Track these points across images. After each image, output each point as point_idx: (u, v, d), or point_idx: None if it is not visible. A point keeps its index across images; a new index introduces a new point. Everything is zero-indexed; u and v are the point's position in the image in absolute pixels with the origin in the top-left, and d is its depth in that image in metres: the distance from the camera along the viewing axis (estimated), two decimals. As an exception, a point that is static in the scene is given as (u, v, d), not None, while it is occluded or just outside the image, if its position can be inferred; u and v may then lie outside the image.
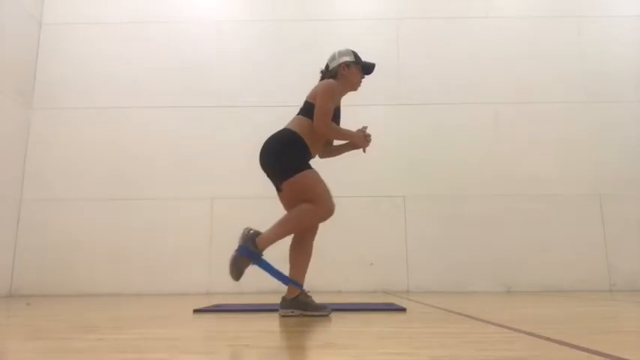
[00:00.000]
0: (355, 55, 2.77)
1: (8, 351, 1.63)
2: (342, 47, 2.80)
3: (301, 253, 2.61)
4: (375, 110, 5.32)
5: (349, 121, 2.83)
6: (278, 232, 2.50)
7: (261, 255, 2.48)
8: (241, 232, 2.52)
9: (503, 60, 5.68)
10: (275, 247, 2.51)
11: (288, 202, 2.60)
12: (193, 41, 5.76)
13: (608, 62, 5.67)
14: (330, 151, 2.86)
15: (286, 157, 2.54)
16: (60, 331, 2.10)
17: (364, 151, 2.73)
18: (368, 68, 2.77)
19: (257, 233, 2.50)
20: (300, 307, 2.52)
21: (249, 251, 2.45)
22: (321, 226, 2.68)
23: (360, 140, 2.68)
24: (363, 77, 2.79)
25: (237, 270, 2.44)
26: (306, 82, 2.79)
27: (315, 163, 2.70)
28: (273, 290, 3.47)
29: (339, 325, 2.18)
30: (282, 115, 2.79)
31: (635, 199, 5.33)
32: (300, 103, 2.69)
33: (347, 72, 2.72)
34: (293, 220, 2.51)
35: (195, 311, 2.84)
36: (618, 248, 5.20)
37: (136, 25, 5.78)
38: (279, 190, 2.62)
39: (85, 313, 3.04)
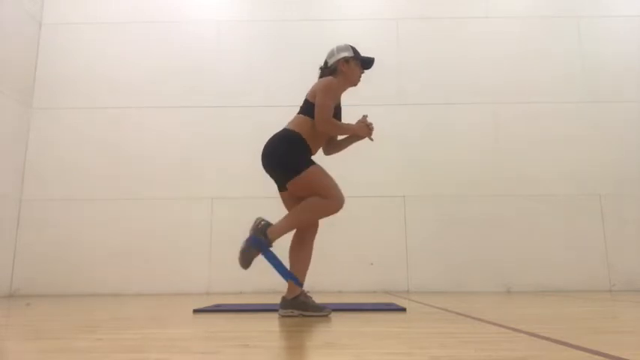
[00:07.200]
0: (354, 50, 2.72)
1: (9, 351, 1.63)
2: (340, 43, 2.75)
3: (302, 252, 2.60)
4: (374, 110, 5.28)
5: (350, 120, 2.81)
6: (290, 223, 2.51)
7: (270, 246, 2.48)
8: (253, 222, 2.52)
9: (503, 60, 5.68)
10: (276, 246, 2.51)
11: (295, 201, 2.58)
12: (193, 41, 5.75)
13: (608, 62, 5.67)
14: (334, 147, 2.83)
15: (288, 157, 2.53)
16: (60, 331, 2.10)
17: (371, 139, 2.70)
18: (367, 63, 2.73)
19: (268, 224, 2.50)
20: (299, 308, 2.52)
21: (258, 241, 2.45)
22: (322, 226, 2.68)
23: (362, 131, 2.66)
24: (363, 72, 2.75)
25: (245, 259, 2.45)
26: (306, 81, 2.78)
27: (317, 160, 2.70)
28: (273, 290, 3.48)
29: (339, 325, 2.18)
30: (283, 115, 2.78)
31: (635, 199, 5.33)
32: (300, 103, 2.68)
33: (346, 68, 2.68)
34: (305, 211, 2.50)
35: (195, 311, 2.84)
36: (618, 248, 5.20)
37: (136, 25, 5.78)
38: (281, 190, 2.62)
39: (85, 313, 3.04)
